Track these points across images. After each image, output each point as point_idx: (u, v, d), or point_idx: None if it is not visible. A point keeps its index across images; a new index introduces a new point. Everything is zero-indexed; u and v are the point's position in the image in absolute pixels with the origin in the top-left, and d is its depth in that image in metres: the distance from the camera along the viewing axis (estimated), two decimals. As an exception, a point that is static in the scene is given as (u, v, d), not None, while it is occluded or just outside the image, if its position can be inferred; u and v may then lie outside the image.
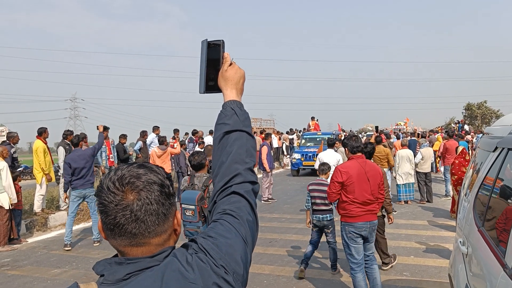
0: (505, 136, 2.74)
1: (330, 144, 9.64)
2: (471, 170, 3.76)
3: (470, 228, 2.88)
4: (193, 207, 4.15)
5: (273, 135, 22.67)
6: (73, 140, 7.84)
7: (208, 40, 1.33)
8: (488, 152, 3.09)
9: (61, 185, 9.84)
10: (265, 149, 12.18)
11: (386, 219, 6.01)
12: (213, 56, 1.34)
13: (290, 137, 24.02)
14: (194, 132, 15.21)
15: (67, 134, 9.92)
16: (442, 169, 14.86)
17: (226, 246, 1.04)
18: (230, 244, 1.05)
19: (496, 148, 2.83)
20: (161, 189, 1.03)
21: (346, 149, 4.81)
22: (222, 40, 1.33)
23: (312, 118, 23.21)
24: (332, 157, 8.99)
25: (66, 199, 8.30)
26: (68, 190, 7.63)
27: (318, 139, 18.61)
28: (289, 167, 19.37)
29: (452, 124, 40.75)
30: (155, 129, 12.84)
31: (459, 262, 3.03)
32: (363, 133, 34.18)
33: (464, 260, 2.85)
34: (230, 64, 1.34)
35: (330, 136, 17.12)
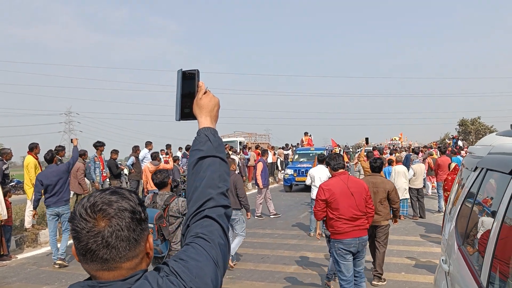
0: (484, 156, 2.79)
1: (321, 160, 9.68)
2: (456, 186, 3.81)
3: (451, 245, 2.91)
4: (152, 225, 4.20)
5: (251, 152, 22.76)
6: (45, 156, 7.62)
7: (183, 70, 1.40)
8: (470, 171, 3.14)
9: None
10: (260, 166, 12.18)
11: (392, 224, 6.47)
12: (189, 85, 1.40)
13: (285, 152, 24.06)
14: (188, 147, 15.24)
15: (58, 149, 9.88)
16: (429, 184, 14.98)
17: (196, 269, 1.07)
18: (200, 267, 1.08)
19: (476, 167, 2.87)
20: (132, 216, 1.06)
21: (329, 167, 4.94)
22: (197, 70, 1.40)
23: (306, 134, 23.28)
24: (323, 173, 9.02)
25: (35, 216, 8.16)
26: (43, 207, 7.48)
27: (311, 155, 18.33)
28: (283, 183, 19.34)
29: (446, 140, 40.96)
30: (148, 144, 12.84)
31: (441, 279, 3.05)
32: (358, 149, 34.27)
33: (446, 278, 2.88)
34: (205, 93, 1.39)
35: (323, 151, 17.13)
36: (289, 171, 18.15)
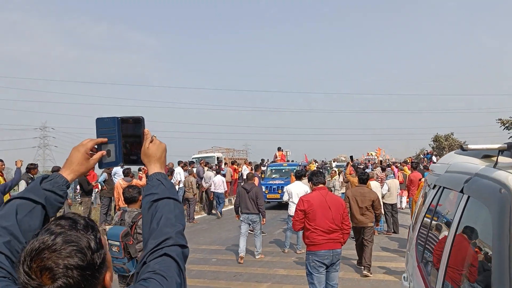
0: (442, 174, 2.86)
1: (298, 176, 9.74)
2: (419, 203, 3.88)
3: (412, 262, 2.95)
4: (118, 243, 4.18)
5: (244, 166, 22.67)
6: None
7: (126, 116, 1.44)
8: (430, 189, 3.20)
9: None
10: (256, 181, 12.16)
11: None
12: (133, 131, 1.44)
13: (263, 168, 24.03)
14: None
15: (30, 167, 9.69)
16: (403, 200, 15.21)
17: None
18: None
19: (435, 185, 2.94)
20: (81, 273, 0.99)
21: (311, 182, 5.28)
22: (142, 117, 1.43)
23: (279, 149, 22.77)
24: (301, 189, 9.05)
25: None
26: None
27: (284, 171, 18.11)
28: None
29: (421, 155, 41.69)
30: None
31: (403, 297, 3.08)
32: (336, 162, 34.57)
33: (408, 295, 2.91)
34: (151, 141, 1.43)
35: (296, 167, 17.05)
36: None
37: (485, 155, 2.36)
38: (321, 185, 5.16)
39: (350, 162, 13.81)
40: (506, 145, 2.00)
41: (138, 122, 1.43)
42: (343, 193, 14.26)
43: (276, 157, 22.41)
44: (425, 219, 2.98)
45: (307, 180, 11.83)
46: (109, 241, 4.33)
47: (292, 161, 23.87)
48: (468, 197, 2.06)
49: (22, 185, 9.63)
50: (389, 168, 18.14)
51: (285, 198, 9.79)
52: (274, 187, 16.57)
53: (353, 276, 7.37)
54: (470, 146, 2.13)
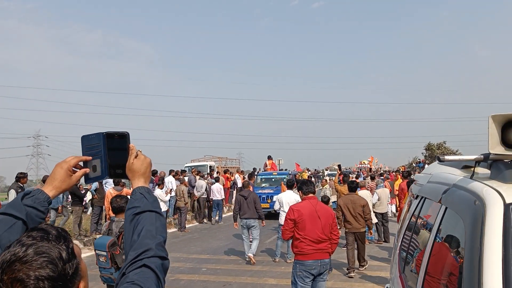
0: (424, 184, 2.88)
1: (289, 185, 9.77)
2: (405, 212, 3.90)
3: (395, 273, 2.97)
4: (105, 253, 4.16)
5: (236, 175, 22.62)
6: None
7: (112, 131, 1.47)
8: (414, 199, 3.22)
9: None
10: (250, 188, 12.18)
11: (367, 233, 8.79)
12: (118, 145, 1.47)
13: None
14: (154, 173, 15.02)
15: (20, 176, 9.62)
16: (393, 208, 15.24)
17: None
18: None
19: (417, 195, 2.96)
20: (53, 284, 0.99)
21: (301, 191, 5.33)
22: (127, 132, 1.47)
23: (269, 157, 22.17)
24: (292, 198, 9.05)
25: None
26: None
27: (273, 180, 17.63)
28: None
29: (413, 164, 41.87)
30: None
31: (387, 307, 3.09)
32: (328, 171, 34.64)
33: (391, 305, 2.92)
34: (136, 155, 1.46)
35: (286, 176, 17.01)
36: None
37: (465, 166, 2.39)
38: (311, 195, 5.17)
39: (338, 171, 13.82)
40: (482, 156, 2.02)
41: (123, 137, 1.46)
42: (334, 201, 14.25)
43: (266, 166, 21.89)
44: (407, 229, 3.00)
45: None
46: (96, 251, 4.31)
47: (282, 169, 23.47)
48: (446, 208, 2.08)
49: (12, 194, 9.57)
50: (382, 177, 18.20)
51: (276, 207, 9.79)
52: (264, 196, 16.16)
53: (342, 286, 7.36)
54: (447, 157, 2.16)
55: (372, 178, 15.83)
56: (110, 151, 1.46)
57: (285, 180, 11.12)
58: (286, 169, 24.23)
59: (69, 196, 11.63)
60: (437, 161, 3.26)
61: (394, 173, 21.29)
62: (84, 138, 1.48)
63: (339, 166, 15.50)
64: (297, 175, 18.93)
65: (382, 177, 18.05)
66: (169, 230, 13.94)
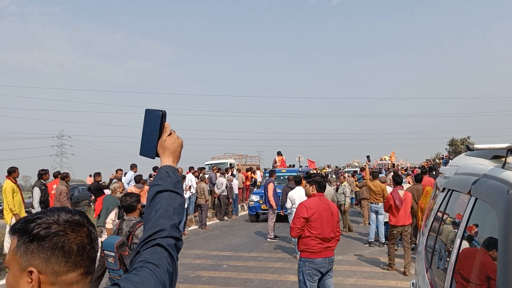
0: (451, 176, 2.77)
1: (297, 182, 9.67)
2: (429, 207, 3.78)
3: (421, 268, 2.86)
4: (113, 254, 3.95)
5: (258, 172, 22.58)
6: None
7: (151, 109, 1.46)
8: (440, 192, 3.11)
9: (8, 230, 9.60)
10: (271, 186, 11.94)
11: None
12: (155, 124, 1.46)
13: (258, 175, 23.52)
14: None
15: (41, 173, 9.77)
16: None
17: None
18: None
19: (444, 188, 2.85)
20: None
21: (314, 186, 4.96)
22: (164, 111, 1.46)
23: (279, 153, 20.45)
24: (303, 194, 8.93)
25: None
26: None
27: (282, 178, 15.98)
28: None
29: (436, 160, 41.13)
30: (133, 167, 12.69)
31: (413, 304, 2.99)
32: (348, 168, 34.25)
33: (417, 302, 2.82)
34: (169, 134, 1.46)
35: (296, 173, 15.95)
36: (254, 198, 15.05)
37: (495, 156, 2.28)
38: (321, 192, 4.98)
39: (367, 161, 13.13)
40: (515, 145, 1.92)
41: (160, 116, 1.45)
42: (352, 198, 14.02)
43: (276, 163, 20.17)
44: (433, 223, 2.89)
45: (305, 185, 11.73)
46: (105, 252, 4.09)
47: (291, 166, 22.01)
48: (476, 199, 1.98)
49: (36, 191, 9.74)
50: (405, 173, 17.85)
51: (288, 205, 9.70)
52: None
53: (365, 283, 7.24)
54: (477, 146, 2.06)
55: (395, 174, 15.45)
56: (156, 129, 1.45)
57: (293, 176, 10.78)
58: (294, 165, 22.70)
59: (91, 195, 11.74)
60: (464, 153, 3.14)
61: (418, 169, 20.92)
62: (148, 113, 1.46)
63: (367, 157, 14.65)
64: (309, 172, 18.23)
65: (405, 173, 17.69)
66: (190, 228, 14.00)
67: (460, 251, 2.00)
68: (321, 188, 4.96)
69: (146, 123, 1.46)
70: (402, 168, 24.60)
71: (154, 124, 1.44)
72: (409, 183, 13.14)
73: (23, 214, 9.24)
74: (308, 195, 5.03)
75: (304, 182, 8.50)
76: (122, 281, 1.13)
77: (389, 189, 11.00)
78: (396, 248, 8.11)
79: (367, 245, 10.32)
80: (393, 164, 22.61)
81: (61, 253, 1.02)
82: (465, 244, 2.01)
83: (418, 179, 10.04)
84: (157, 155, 1.47)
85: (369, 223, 11.07)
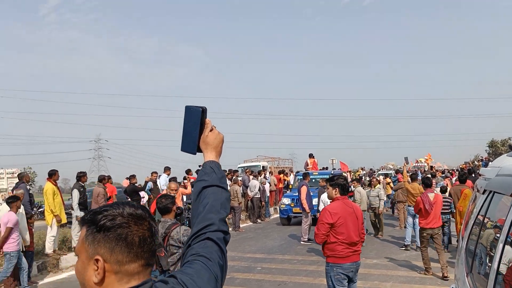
0: (492, 178, 2.69)
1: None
2: (469, 210, 3.67)
3: (461, 273, 2.79)
4: None
5: (291, 175, 22.49)
6: None
7: (192, 106, 1.48)
8: (480, 194, 3.02)
9: (74, 226, 9.93)
10: (304, 189, 11.77)
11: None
12: (196, 120, 1.48)
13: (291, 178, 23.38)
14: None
15: (80, 175, 10.08)
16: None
17: (202, 283, 1.19)
18: (205, 281, 1.20)
19: (485, 190, 2.77)
20: None
21: (337, 189, 4.82)
22: (205, 107, 1.48)
23: (310, 155, 19.97)
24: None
25: None
26: None
27: (313, 180, 15.12)
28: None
29: (475, 162, 39.81)
30: (166, 169, 12.91)
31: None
32: (383, 170, 33.61)
33: (457, 307, 2.74)
34: (211, 130, 1.49)
35: (329, 175, 15.64)
36: (286, 201, 14.75)
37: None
38: (344, 195, 4.83)
39: (405, 163, 12.83)
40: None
41: (200, 112, 1.47)
42: (386, 201, 13.73)
43: (308, 165, 19.61)
44: (474, 227, 2.81)
45: (359, 186, 11.52)
46: None
47: (324, 168, 21.61)
48: (520, 201, 1.92)
49: (75, 193, 10.07)
50: (442, 175, 17.33)
51: (321, 207, 9.59)
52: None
53: (401, 287, 7.10)
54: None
55: (433, 176, 14.97)
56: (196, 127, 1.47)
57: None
58: (327, 168, 22.46)
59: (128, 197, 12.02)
60: (506, 154, 3.04)
61: (456, 171, 20.29)
62: (188, 109, 1.49)
63: (405, 158, 14.29)
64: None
65: (443, 175, 17.20)
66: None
67: (502, 254, 1.93)
68: (345, 191, 4.82)
69: (186, 119, 1.48)
70: (439, 170, 23.94)
71: (195, 120, 1.46)
72: (446, 185, 12.77)
73: (63, 215, 9.57)
74: (331, 198, 4.90)
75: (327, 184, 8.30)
76: (177, 273, 1.20)
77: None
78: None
79: (403, 248, 10.10)
80: (431, 167, 21.93)
81: (124, 244, 1.09)
82: (509, 249, 1.94)
83: (462, 179, 9.83)
84: (198, 151, 1.49)
85: (405, 226, 10.82)
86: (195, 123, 1.47)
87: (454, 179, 15.11)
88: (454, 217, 8.73)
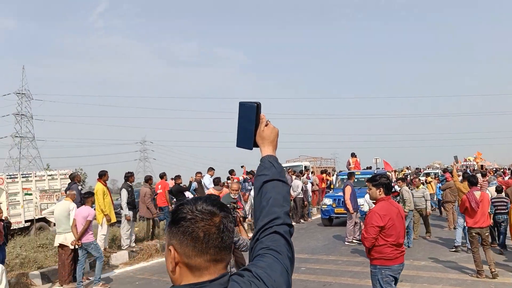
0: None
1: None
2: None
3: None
4: None
5: (334, 175, 22.23)
6: None
7: (244, 101, 1.50)
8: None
9: (123, 225, 10.26)
10: (348, 189, 11.55)
11: None
12: (251, 116, 1.50)
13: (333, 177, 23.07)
14: (248, 172, 15.37)
15: (128, 176, 10.41)
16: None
17: (275, 276, 1.23)
18: (278, 274, 1.24)
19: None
20: None
21: (381, 189, 4.68)
22: (259, 102, 1.49)
23: (352, 155, 19.49)
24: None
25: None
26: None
27: (356, 180, 14.46)
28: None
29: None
30: (209, 170, 13.09)
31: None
32: (430, 169, 32.54)
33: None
34: (266, 124, 1.51)
35: (372, 175, 14.98)
36: (327, 201, 14.57)
37: None
38: (388, 195, 4.71)
39: (454, 162, 12.32)
40: None
41: (255, 108, 1.48)
42: (434, 201, 13.28)
43: (350, 164, 19.24)
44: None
45: (405, 186, 11.17)
46: None
47: (368, 168, 21.11)
48: None
49: (124, 193, 10.41)
50: (494, 174, 16.54)
51: (365, 208, 9.43)
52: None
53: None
54: None
55: (484, 175, 14.24)
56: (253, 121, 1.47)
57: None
58: (371, 167, 21.83)
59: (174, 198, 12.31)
60: None
61: (508, 170, 19.32)
62: (242, 106, 1.50)
63: (455, 157, 13.74)
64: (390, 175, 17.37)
65: (494, 174, 16.41)
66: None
67: None
68: (389, 191, 4.68)
69: (241, 115, 1.49)
70: (490, 169, 22.96)
71: (250, 116, 1.48)
72: (500, 184, 12.22)
73: (113, 214, 9.93)
74: (375, 199, 4.72)
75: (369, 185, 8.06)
76: (251, 266, 1.24)
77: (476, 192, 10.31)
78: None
79: (453, 250, 9.76)
80: (481, 166, 21.01)
81: (189, 238, 1.15)
82: None
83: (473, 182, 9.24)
84: (255, 146, 1.50)
85: (454, 227, 10.44)
86: (250, 119, 1.48)
87: (507, 177, 14.36)
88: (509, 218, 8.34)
